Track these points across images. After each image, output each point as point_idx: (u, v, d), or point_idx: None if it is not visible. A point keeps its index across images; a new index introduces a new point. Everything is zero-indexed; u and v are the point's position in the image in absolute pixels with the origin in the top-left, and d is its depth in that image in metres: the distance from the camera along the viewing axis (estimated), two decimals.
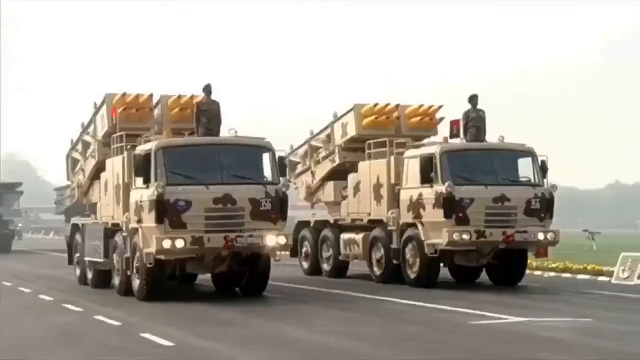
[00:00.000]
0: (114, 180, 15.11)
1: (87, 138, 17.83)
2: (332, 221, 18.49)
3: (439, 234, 14.81)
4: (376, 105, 18.21)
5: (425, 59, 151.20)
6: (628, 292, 14.99)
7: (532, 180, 15.47)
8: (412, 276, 15.72)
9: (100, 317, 11.75)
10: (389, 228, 16.25)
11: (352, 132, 18.35)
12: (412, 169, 15.65)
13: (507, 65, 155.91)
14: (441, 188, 14.70)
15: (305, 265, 19.18)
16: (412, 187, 15.64)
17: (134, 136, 15.00)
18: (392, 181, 16.31)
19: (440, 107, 18.61)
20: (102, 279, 16.28)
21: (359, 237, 17.29)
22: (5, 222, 33.95)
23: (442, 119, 18.42)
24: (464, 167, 15.05)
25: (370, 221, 17.05)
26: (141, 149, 13.83)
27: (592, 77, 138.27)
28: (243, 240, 12.84)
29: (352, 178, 17.98)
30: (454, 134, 16.56)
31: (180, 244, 12.67)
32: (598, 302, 13.78)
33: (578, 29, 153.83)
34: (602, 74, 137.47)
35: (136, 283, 13.87)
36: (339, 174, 19.06)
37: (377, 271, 16.92)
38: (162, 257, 13.10)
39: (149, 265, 13.12)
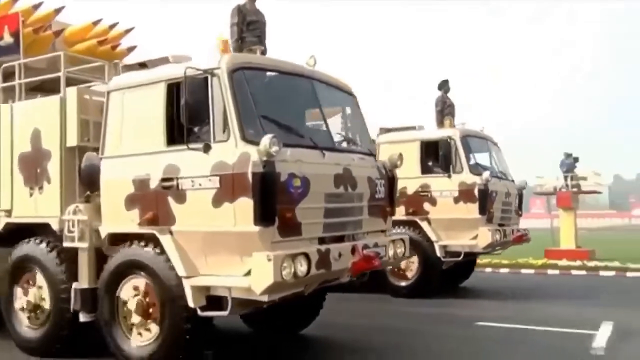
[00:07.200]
0: (21, 145, 5.81)
1: None
2: None
3: (459, 233, 9.08)
4: None
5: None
6: None
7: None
8: (402, 284, 9.56)
9: None
10: None
11: None
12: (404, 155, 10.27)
13: None
14: (470, 178, 9.02)
15: None
16: (402, 177, 9.34)
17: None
18: None
19: None
20: None
21: None
22: None
23: None
24: (478, 156, 9.57)
25: None
26: (193, 68, 4.69)
27: None
28: (370, 252, 5.19)
29: None
30: None
31: (303, 268, 4.39)
32: None
33: None
34: None
35: (136, 342, 4.99)
36: None
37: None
38: (265, 298, 4.43)
39: (200, 314, 4.56)
